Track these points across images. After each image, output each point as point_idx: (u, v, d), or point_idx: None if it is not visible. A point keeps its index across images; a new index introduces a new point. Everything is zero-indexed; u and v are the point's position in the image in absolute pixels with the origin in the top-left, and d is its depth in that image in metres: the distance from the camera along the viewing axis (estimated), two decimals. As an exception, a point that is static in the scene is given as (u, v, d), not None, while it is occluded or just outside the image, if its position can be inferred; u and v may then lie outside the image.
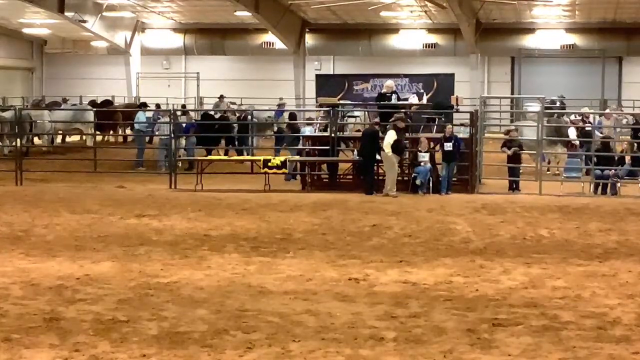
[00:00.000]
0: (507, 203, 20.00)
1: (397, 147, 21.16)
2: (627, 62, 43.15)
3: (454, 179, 22.21)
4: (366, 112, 28.02)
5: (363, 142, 22.29)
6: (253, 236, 15.57)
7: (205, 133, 27.57)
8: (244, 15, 40.46)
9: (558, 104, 35.49)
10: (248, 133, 28.55)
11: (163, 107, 36.09)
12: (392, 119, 21.85)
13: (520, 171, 22.93)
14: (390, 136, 21.17)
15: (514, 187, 22.31)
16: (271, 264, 13.15)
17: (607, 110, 32.43)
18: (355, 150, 23.49)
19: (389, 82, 25.26)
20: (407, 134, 22.43)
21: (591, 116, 26.93)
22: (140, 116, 28.94)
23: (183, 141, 26.08)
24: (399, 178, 21.93)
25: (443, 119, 24.34)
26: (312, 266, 12.99)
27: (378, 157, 21.71)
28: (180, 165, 24.78)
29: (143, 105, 33.19)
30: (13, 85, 46.17)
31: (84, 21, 38.61)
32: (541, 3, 37.10)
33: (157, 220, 17.21)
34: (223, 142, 29.08)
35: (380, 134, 22.15)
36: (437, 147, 22.32)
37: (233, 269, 12.81)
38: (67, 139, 34.68)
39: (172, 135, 24.28)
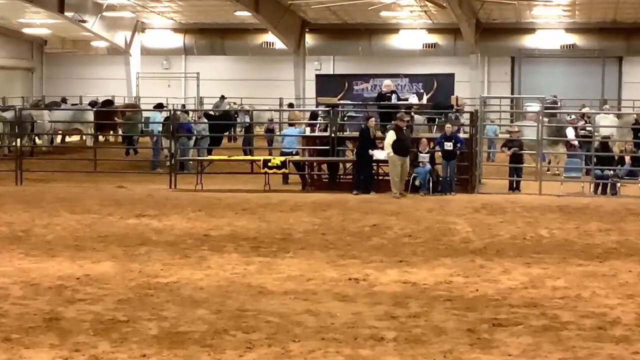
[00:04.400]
0: (507, 203, 20.00)
1: (399, 148, 20.84)
2: (627, 62, 43.13)
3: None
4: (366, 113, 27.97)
5: (359, 141, 22.27)
6: (253, 236, 15.56)
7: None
8: (244, 15, 40.43)
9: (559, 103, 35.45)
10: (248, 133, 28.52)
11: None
12: (398, 117, 21.74)
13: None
14: (390, 137, 21.01)
15: (514, 187, 22.32)
16: (271, 264, 13.15)
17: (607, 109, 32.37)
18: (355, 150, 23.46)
19: (387, 82, 25.22)
20: (411, 134, 22.28)
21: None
22: (156, 116, 28.48)
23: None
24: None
25: (443, 119, 24.33)
26: (312, 266, 12.99)
27: (379, 156, 21.58)
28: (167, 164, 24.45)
29: (159, 106, 32.19)
30: (13, 85, 46.14)
31: (84, 21, 38.59)
32: (541, 3, 37.08)
33: (157, 220, 17.21)
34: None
35: (380, 134, 22.14)
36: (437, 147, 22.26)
37: (233, 269, 12.81)
38: (67, 139, 34.68)
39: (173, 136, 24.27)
